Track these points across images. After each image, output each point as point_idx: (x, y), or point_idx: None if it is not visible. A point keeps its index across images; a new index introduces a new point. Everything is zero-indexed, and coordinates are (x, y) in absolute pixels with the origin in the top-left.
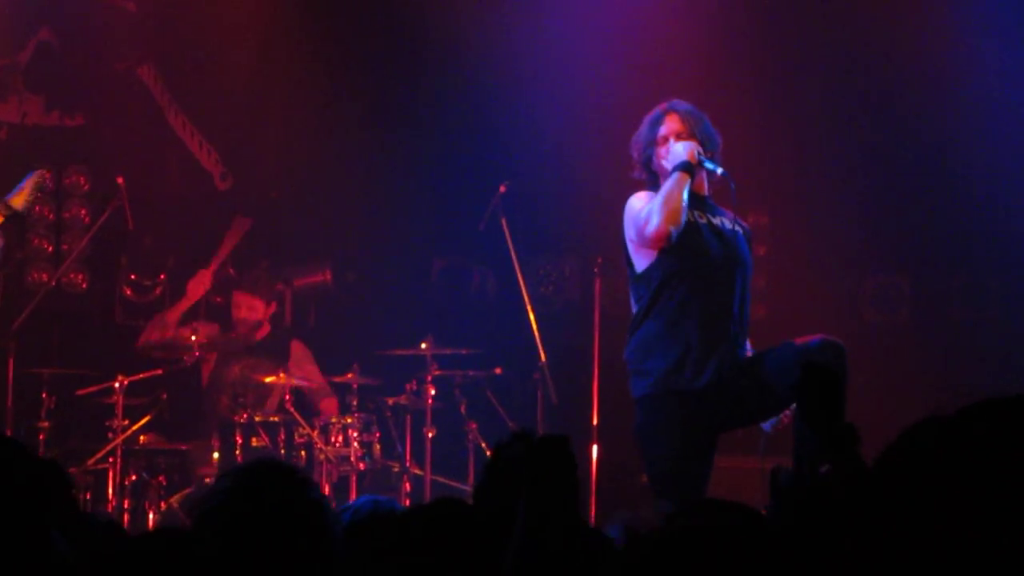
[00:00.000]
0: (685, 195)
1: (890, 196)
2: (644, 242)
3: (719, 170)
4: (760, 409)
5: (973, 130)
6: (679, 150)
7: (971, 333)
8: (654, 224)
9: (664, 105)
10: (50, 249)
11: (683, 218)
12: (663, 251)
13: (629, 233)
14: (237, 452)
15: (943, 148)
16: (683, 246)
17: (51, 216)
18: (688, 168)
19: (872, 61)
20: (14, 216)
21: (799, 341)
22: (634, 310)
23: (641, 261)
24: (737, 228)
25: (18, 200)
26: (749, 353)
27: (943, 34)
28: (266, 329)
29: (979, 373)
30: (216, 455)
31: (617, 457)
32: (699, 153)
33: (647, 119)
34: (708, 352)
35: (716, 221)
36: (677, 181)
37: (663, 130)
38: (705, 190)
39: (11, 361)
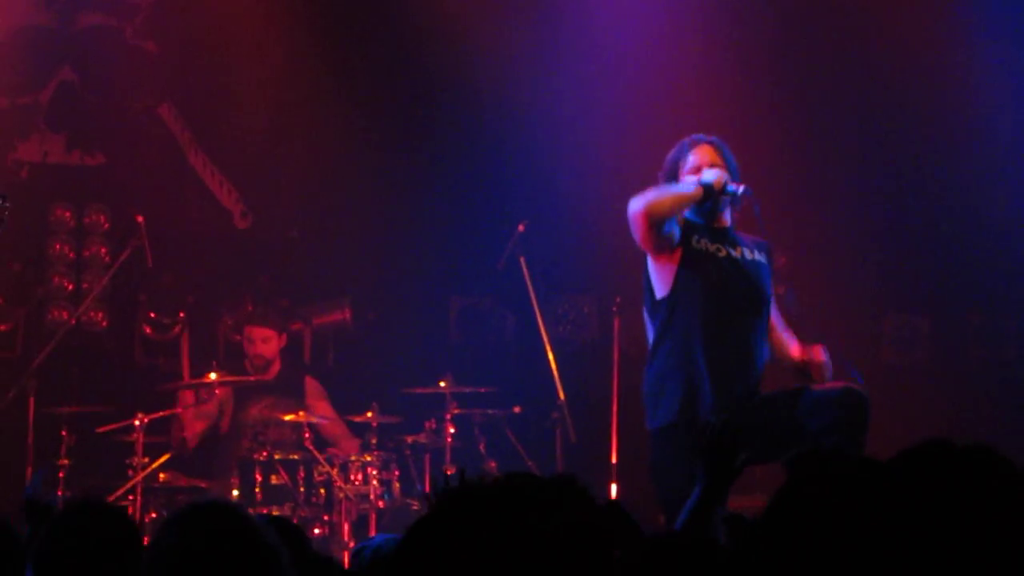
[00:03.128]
0: (688, 205)
1: (909, 236)
2: (630, 221)
3: (740, 188)
4: (775, 447)
5: (993, 170)
6: (709, 175)
7: (990, 373)
8: (638, 203)
9: (697, 136)
10: (70, 287)
11: (668, 222)
12: (681, 278)
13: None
14: (257, 490)
15: (963, 187)
16: (700, 277)
17: (71, 255)
18: (708, 190)
19: (891, 99)
20: None
21: (820, 388)
22: (650, 339)
23: (660, 287)
24: (759, 257)
25: None
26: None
27: (963, 73)
28: (278, 366)
29: (999, 413)
30: (236, 492)
31: (636, 496)
32: (726, 181)
33: (678, 146)
34: (723, 385)
35: (736, 253)
36: (688, 189)
37: (695, 159)
38: (727, 222)
39: (32, 399)
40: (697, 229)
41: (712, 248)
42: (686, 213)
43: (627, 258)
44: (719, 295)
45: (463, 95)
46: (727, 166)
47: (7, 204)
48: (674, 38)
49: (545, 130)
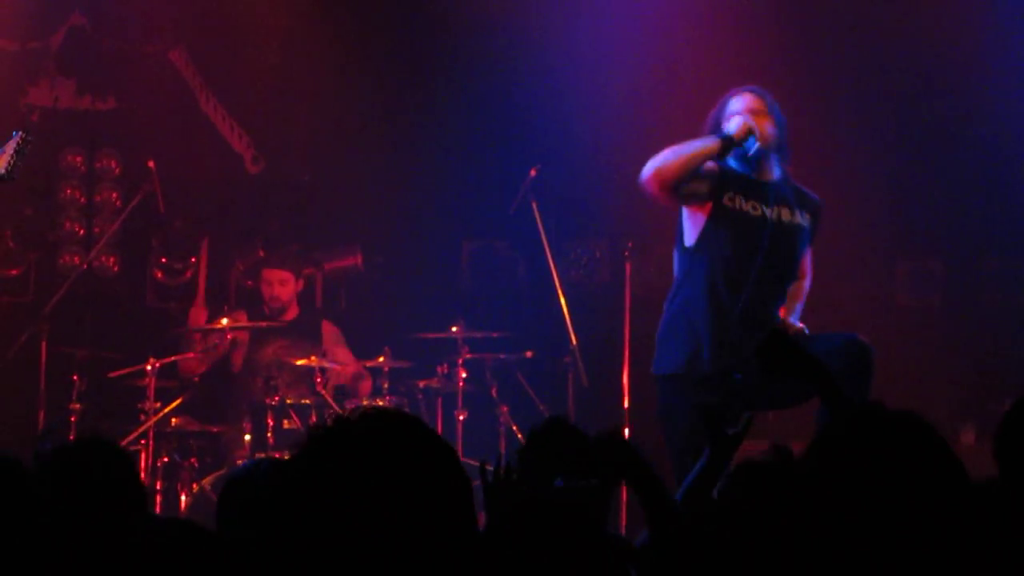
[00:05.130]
0: (706, 159)
1: (923, 180)
2: (641, 185)
3: (753, 148)
4: (782, 396)
5: (1007, 113)
6: (732, 124)
7: (1004, 318)
8: (647, 168)
9: (746, 86)
10: (82, 232)
11: (684, 181)
12: (709, 233)
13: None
14: (269, 434)
15: (976, 131)
16: (726, 236)
17: (83, 199)
18: (728, 142)
19: (905, 42)
20: None
21: (825, 336)
22: (675, 280)
23: (689, 234)
24: (799, 219)
25: None
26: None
27: (978, 15)
28: (295, 310)
29: (1012, 358)
30: (248, 437)
31: (648, 439)
32: (751, 130)
33: (726, 96)
34: (724, 350)
35: (772, 214)
36: (703, 143)
37: (739, 105)
38: (772, 175)
39: (44, 344)
40: (734, 183)
41: (746, 206)
42: (729, 161)
43: (640, 201)
44: (741, 257)
45: (477, 37)
46: (773, 118)
47: (30, 138)
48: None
49: (558, 73)
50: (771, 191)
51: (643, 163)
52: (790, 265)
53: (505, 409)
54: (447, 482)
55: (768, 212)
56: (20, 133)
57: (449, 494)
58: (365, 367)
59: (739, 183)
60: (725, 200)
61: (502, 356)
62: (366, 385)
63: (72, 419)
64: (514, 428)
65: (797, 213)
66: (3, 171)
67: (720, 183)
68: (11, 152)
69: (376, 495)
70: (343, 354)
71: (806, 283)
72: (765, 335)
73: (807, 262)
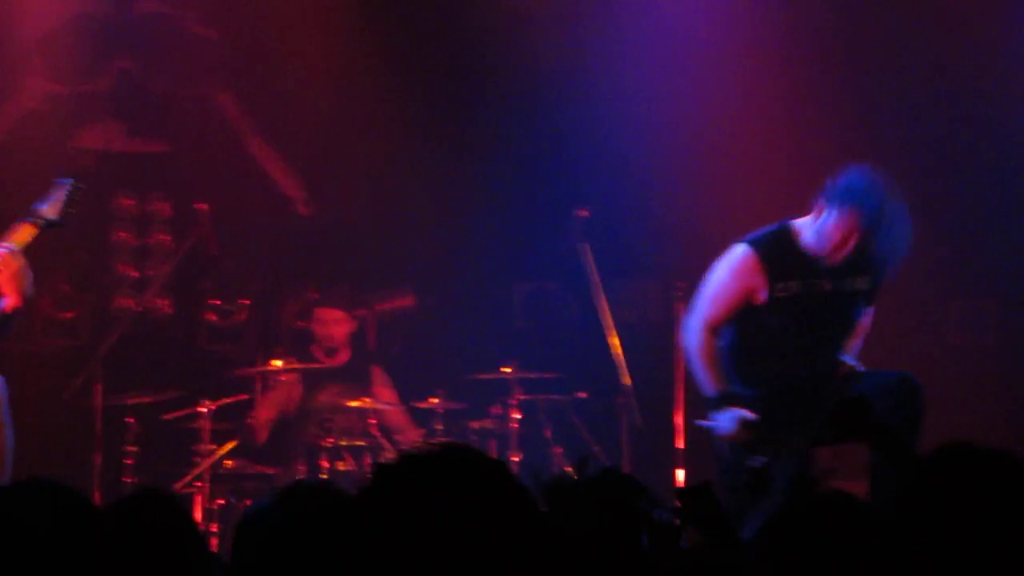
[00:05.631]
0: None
1: (978, 219)
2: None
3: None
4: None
5: None
6: (726, 422)
7: None
8: (683, 339)
9: (863, 201)
10: (134, 275)
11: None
12: (759, 311)
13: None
14: (324, 476)
15: None
16: (780, 317)
17: (135, 243)
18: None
19: (962, 72)
20: (51, 226)
21: (876, 374)
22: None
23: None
24: (859, 284)
25: (52, 211)
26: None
27: None
28: (348, 352)
29: None
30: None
31: (702, 479)
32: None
33: (852, 179)
34: (773, 418)
35: (829, 286)
36: (708, 388)
37: (842, 222)
38: (847, 252)
39: (98, 387)
40: (786, 272)
41: (801, 289)
42: (803, 234)
43: (691, 242)
44: (795, 333)
45: (527, 79)
46: (872, 240)
47: (80, 185)
48: (742, 20)
49: (609, 114)
50: (829, 266)
51: (693, 204)
52: (846, 330)
53: (559, 450)
54: (516, 512)
55: (825, 286)
56: (71, 180)
57: (518, 524)
58: (416, 408)
59: (792, 268)
60: (778, 291)
61: (555, 397)
62: (413, 432)
63: (128, 461)
64: (568, 469)
65: (857, 278)
66: (56, 218)
67: (773, 273)
68: (63, 199)
69: (448, 528)
70: (390, 396)
71: (866, 321)
72: (833, 406)
73: (867, 317)
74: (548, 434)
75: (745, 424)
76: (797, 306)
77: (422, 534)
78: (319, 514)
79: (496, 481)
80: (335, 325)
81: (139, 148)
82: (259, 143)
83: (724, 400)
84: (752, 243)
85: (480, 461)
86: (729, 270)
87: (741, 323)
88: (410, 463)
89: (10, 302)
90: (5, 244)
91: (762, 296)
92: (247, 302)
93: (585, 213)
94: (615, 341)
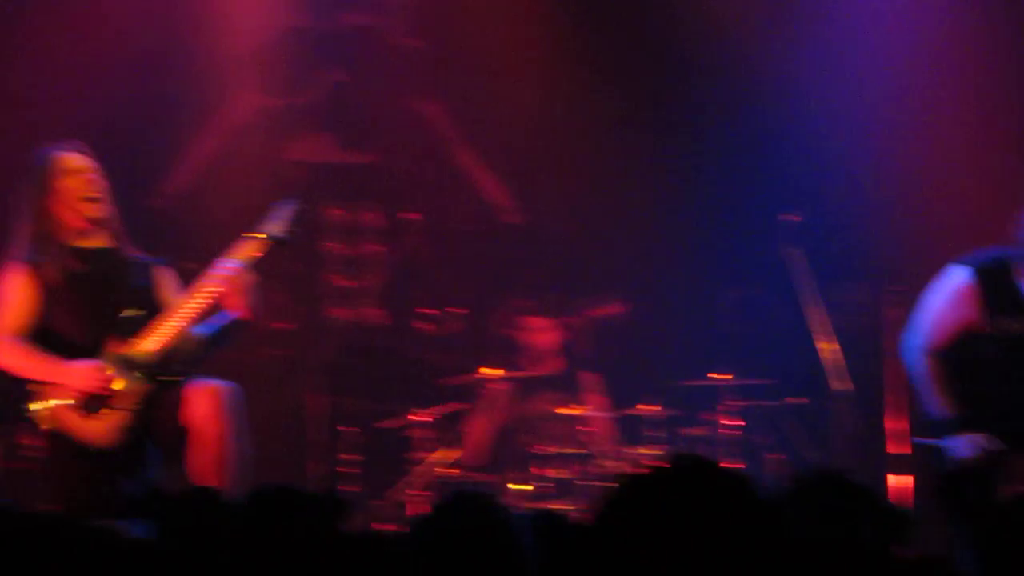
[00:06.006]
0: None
1: None
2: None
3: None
4: None
5: None
6: (963, 446)
7: None
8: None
9: None
10: (347, 285)
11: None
12: (975, 339)
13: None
14: (538, 484)
15: None
16: (995, 349)
17: (347, 253)
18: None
19: None
20: (277, 243)
21: None
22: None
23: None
24: None
25: (278, 228)
26: None
27: None
28: (557, 362)
29: None
30: (512, 487)
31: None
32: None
33: None
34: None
35: None
36: (930, 404)
37: None
38: None
39: (312, 396)
40: (1000, 307)
41: (1015, 326)
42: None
43: (901, 247)
44: (1008, 369)
45: (736, 80)
46: None
47: (306, 207)
48: (961, 18)
49: (820, 115)
50: None
51: (905, 207)
52: None
53: (770, 456)
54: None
55: None
56: (296, 201)
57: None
58: (626, 416)
59: (1010, 305)
60: (993, 325)
61: (765, 403)
62: (627, 435)
63: (343, 470)
64: (780, 475)
65: None
66: (283, 235)
67: (987, 316)
68: (289, 218)
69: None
70: (600, 403)
71: None
72: None
73: None
74: (758, 440)
75: (984, 449)
76: (1016, 345)
77: (667, 546)
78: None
79: (740, 493)
80: (544, 333)
81: (349, 159)
82: (467, 152)
83: (959, 424)
84: (970, 270)
85: (722, 473)
86: (948, 297)
87: (965, 347)
88: (653, 475)
89: (240, 316)
90: (234, 260)
91: (981, 326)
92: (459, 311)
93: (795, 218)
94: (827, 346)
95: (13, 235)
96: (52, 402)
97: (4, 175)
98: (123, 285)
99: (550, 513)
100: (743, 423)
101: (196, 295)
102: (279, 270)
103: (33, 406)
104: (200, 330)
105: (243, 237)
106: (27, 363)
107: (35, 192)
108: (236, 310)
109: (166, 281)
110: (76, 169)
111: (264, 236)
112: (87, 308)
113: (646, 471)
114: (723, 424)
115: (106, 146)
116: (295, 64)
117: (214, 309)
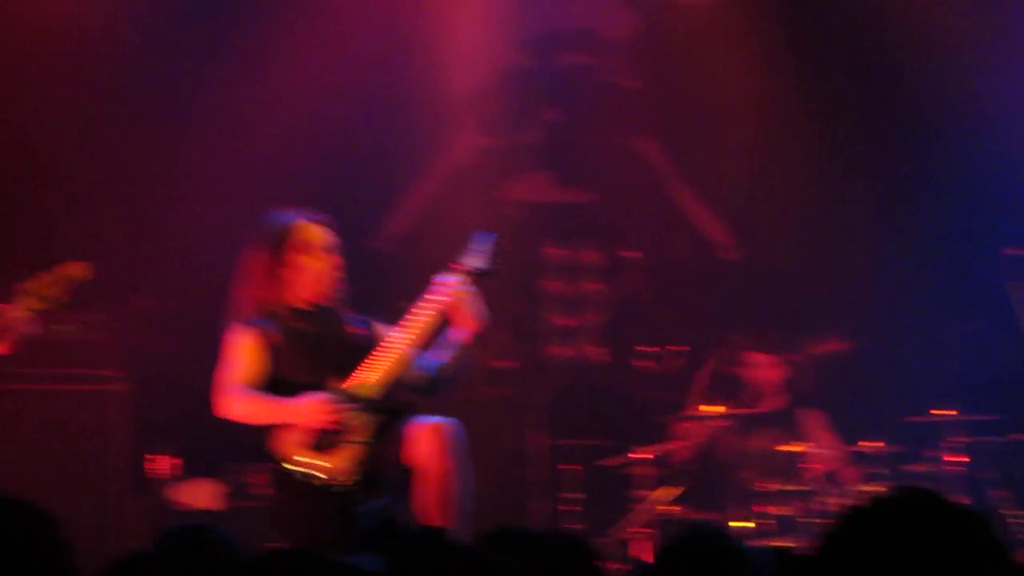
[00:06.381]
0: None
1: None
2: None
3: None
4: None
5: None
6: None
7: None
8: None
9: None
10: (567, 324)
11: None
12: None
13: None
14: (764, 521)
15: None
16: None
17: (567, 291)
18: None
19: None
20: (481, 275)
21: None
22: None
23: None
24: None
25: (479, 260)
26: None
27: None
28: (780, 398)
29: None
30: (734, 524)
31: None
32: None
33: None
34: None
35: None
36: None
37: None
38: None
39: (534, 435)
40: None
41: None
42: None
43: None
44: None
45: (956, 109)
46: None
47: (503, 239)
48: None
49: None
50: None
51: None
52: None
53: (995, 493)
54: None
55: None
56: (494, 234)
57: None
58: (852, 452)
59: None
60: None
61: (989, 439)
62: (853, 471)
63: (566, 508)
64: (1008, 514)
65: None
66: (487, 267)
67: None
68: (490, 250)
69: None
70: (828, 439)
71: None
72: None
73: None
74: (984, 476)
75: None
76: None
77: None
78: None
79: (971, 528)
80: (767, 369)
81: (568, 198)
82: (685, 189)
83: None
84: None
85: (952, 508)
86: None
87: None
88: (880, 507)
89: (467, 329)
90: (446, 278)
91: None
92: (682, 348)
93: (1020, 251)
94: None
95: (240, 293)
96: (302, 466)
97: (227, 203)
98: (343, 336)
99: (781, 549)
100: (967, 459)
101: (412, 323)
102: (503, 308)
103: (287, 466)
104: (425, 359)
105: (446, 269)
106: (259, 408)
107: (269, 257)
108: (461, 325)
109: (382, 330)
110: (321, 247)
111: (468, 268)
112: (310, 360)
113: (871, 504)
114: (947, 460)
115: (328, 189)
116: (513, 104)
117: (438, 333)
